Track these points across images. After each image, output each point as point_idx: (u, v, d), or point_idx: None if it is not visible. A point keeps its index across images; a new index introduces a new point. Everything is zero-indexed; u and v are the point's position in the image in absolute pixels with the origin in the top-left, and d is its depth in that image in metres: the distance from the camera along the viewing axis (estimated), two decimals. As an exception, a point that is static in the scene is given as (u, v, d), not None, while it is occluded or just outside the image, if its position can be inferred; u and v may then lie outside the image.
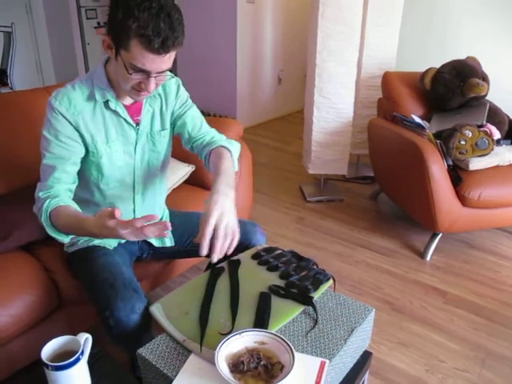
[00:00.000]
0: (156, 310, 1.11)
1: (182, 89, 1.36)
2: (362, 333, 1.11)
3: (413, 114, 2.43)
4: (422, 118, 2.44)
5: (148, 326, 1.18)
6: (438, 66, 2.46)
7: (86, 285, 1.29)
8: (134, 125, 1.26)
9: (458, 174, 2.09)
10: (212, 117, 4.19)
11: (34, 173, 1.27)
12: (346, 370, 1.10)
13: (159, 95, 1.30)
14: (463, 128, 2.06)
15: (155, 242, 1.44)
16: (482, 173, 2.09)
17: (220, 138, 1.37)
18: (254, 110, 4.42)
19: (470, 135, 2.05)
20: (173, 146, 1.42)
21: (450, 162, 2.11)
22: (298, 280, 1.18)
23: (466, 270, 2.17)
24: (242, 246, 1.39)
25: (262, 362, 0.93)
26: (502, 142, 2.24)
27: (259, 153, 3.66)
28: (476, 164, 2.09)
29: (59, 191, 1.17)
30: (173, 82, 1.33)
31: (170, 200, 1.67)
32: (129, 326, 1.13)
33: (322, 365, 0.96)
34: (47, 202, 1.13)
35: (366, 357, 1.16)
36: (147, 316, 1.15)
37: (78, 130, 1.18)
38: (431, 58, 2.89)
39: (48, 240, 1.42)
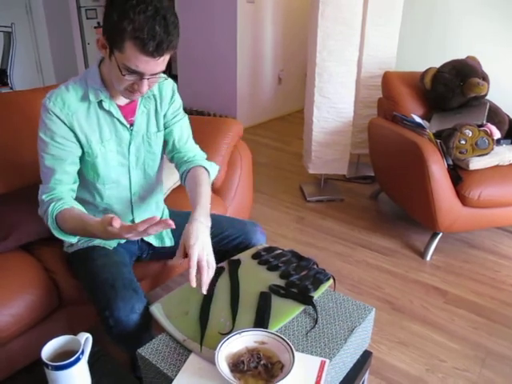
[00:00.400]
0: (156, 309, 1.11)
1: (177, 95, 1.36)
2: (362, 332, 1.11)
3: (413, 113, 2.43)
4: (422, 117, 2.44)
5: (148, 326, 1.18)
6: (438, 65, 2.46)
7: (86, 285, 1.29)
8: (128, 125, 1.26)
9: (458, 174, 2.09)
10: (212, 116, 4.20)
11: (34, 173, 1.28)
12: (346, 370, 1.10)
13: (154, 96, 1.29)
14: (463, 127, 2.06)
15: (155, 242, 1.44)
16: (482, 172, 2.09)
17: (201, 157, 1.40)
18: (254, 109, 4.42)
19: (470, 135, 2.05)
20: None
21: (450, 162, 2.11)
22: (298, 280, 1.18)
23: (466, 270, 2.17)
24: (242, 246, 1.40)
25: (262, 362, 0.94)
26: (502, 141, 2.24)
27: (259, 153, 3.65)
28: (476, 163, 2.09)
29: (62, 193, 1.18)
30: (169, 87, 1.32)
31: (170, 200, 1.67)
32: (129, 326, 1.13)
33: (322, 364, 0.96)
34: (52, 205, 1.14)
35: (366, 356, 1.16)
36: (147, 316, 1.15)
37: (72, 131, 1.19)
38: (431, 57, 2.89)
39: (48, 240, 1.43)
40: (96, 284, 1.21)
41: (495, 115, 2.34)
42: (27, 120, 1.65)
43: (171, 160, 1.41)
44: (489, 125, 2.21)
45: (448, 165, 2.09)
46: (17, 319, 1.26)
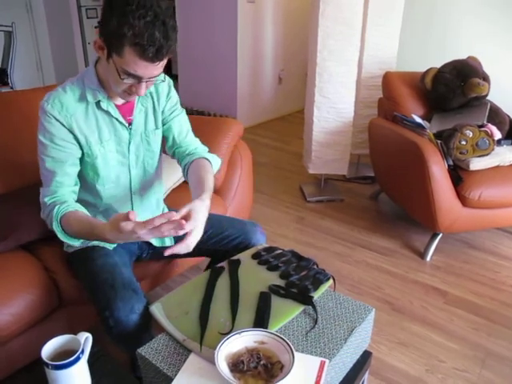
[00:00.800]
0: (156, 309, 1.11)
1: (174, 91, 1.36)
2: (362, 333, 1.11)
3: (413, 113, 2.43)
4: (423, 117, 2.44)
5: (148, 326, 1.18)
6: (438, 65, 2.46)
7: (85, 285, 1.29)
8: (127, 124, 1.26)
9: (458, 174, 2.09)
10: (212, 116, 4.20)
11: (34, 172, 1.28)
12: (346, 370, 1.10)
13: (151, 94, 1.30)
14: (464, 128, 2.06)
15: (155, 242, 1.44)
16: (483, 173, 2.09)
17: (203, 150, 1.40)
18: (255, 109, 4.42)
19: (471, 135, 2.05)
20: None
21: (451, 162, 2.11)
22: (298, 280, 1.18)
23: (466, 270, 2.17)
24: (242, 246, 1.40)
25: (261, 362, 0.94)
26: (502, 142, 2.23)
27: (259, 153, 3.65)
28: (476, 164, 2.09)
29: (64, 195, 1.18)
30: (165, 83, 1.32)
31: (170, 200, 1.67)
32: (128, 326, 1.13)
33: (322, 364, 0.96)
34: (56, 208, 1.13)
35: (365, 357, 1.16)
36: (147, 316, 1.15)
37: (71, 132, 1.18)
38: (432, 57, 2.89)
39: (48, 240, 1.43)
40: (96, 284, 1.21)
41: (496, 116, 2.34)
42: (27, 120, 1.65)
43: (172, 156, 1.41)
44: (489, 125, 2.21)
45: (448, 165, 2.09)
46: (17, 318, 1.26)
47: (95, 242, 1.33)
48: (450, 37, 3.11)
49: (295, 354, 0.93)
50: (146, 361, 1.00)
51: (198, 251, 1.18)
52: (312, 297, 1.12)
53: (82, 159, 1.24)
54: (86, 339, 0.98)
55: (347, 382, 1.08)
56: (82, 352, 0.94)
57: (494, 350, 1.69)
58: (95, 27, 4.80)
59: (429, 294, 2.00)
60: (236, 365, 0.93)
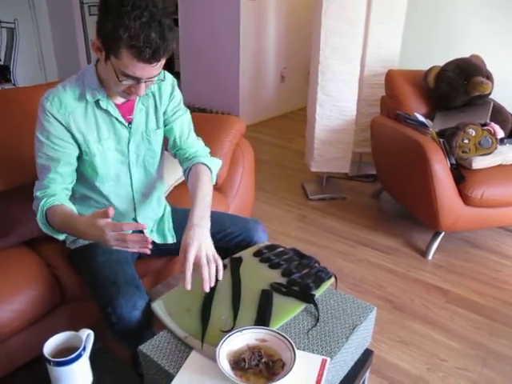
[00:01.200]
0: (158, 306, 1.11)
1: (177, 90, 1.35)
2: (364, 331, 1.11)
3: (416, 112, 2.42)
4: (426, 116, 2.43)
5: (150, 323, 1.18)
6: (441, 64, 2.45)
7: (87, 282, 1.30)
8: (126, 124, 1.26)
9: (460, 173, 2.08)
10: (214, 114, 4.19)
11: (36, 169, 1.28)
12: (347, 368, 1.10)
13: (153, 94, 1.29)
14: (467, 127, 2.05)
15: (157, 239, 1.44)
16: (485, 172, 2.09)
17: (203, 153, 1.39)
18: (257, 107, 4.41)
19: (474, 134, 2.05)
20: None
21: (453, 161, 2.11)
22: (300, 278, 1.18)
23: (468, 269, 2.16)
24: (244, 244, 1.40)
25: (263, 360, 0.94)
26: (505, 140, 2.22)
27: (261, 150, 3.65)
28: (479, 163, 2.08)
29: (56, 190, 1.20)
30: (168, 82, 1.31)
31: (172, 197, 1.67)
32: (131, 323, 1.13)
33: (323, 363, 0.96)
34: (43, 200, 1.16)
35: (367, 355, 1.16)
36: (149, 313, 1.15)
37: (69, 131, 1.19)
38: (435, 56, 2.88)
39: (51, 236, 1.43)
40: (98, 281, 1.22)
41: (499, 114, 2.33)
42: (29, 116, 1.64)
43: (174, 156, 1.42)
44: (492, 124, 2.20)
45: (451, 164, 2.08)
46: (19, 315, 1.27)
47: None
48: (454, 35, 3.10)
49: (296, 351, 0.93)
50: (147, 358, 1.00)
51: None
52: (314, 295, 1.12)
53: (80, 157, 1.24)
54: (87, 336, 0.98)
55: (348, 381, 1.08)
56: (84, 349, 0.94)
57: (495, 348, 1.69)
58: (97, 24, 4.80)
59: (430, 292, 2.00)
60: (237, 362, 0.93)
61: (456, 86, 2.34)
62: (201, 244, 1.09)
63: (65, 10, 4.74)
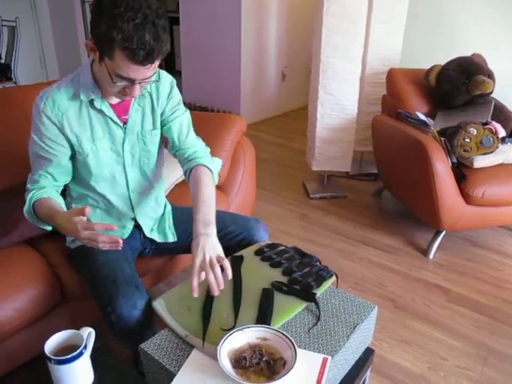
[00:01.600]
0: (158, 305, 1.11)
1: (176, 90, 1.34)
2: (365, 330, 1.11)
3: (417, 111, 2.41)
4: (427, 115, 2.43)
5: (150, 322, 1.18)
6: (443, 62, 2.45)
7: (87, 281, 1.30)
8: (121, 124, 1.25)
9: (462, 172, 2.08)
10: (216, 113, 4.19)
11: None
12: (348, 367, 1.10)
13: (150, 94, 1.28)
14: (468, 125, 2.05)
15: (158, 238, 1.44)
16: (487, 171, 2.08)
17: (203, 153, 1.36)
18: (258, 106, 4.41)
19: (475, 133, 2.04)
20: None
21: (455, 160, 2.10)
22: (301, 276, 1.17)
23: (470, 268, 2.16)
24: (245, 242, 1.40)
25: (264, 358, 0.94)
26: (506, 139, 2.22)
27: (262, 149, 3.65)
28: (480, 162, 2.08)
29: (45, 184, 1.22)
30: (166, 82, 1.30)
31: (173, 195, 1.67)
32: (130, 322, 1.13)
33: (324, 361, 0.96)
34: (32, 192, 1.19)
35: (368, 354, 1.16)
36: (149, 312, 1.15)
37: (62, 132, 1.19)
38: (436, 54, 2.87)
39: (52, 235, 1.43)
40: (97, 280, 1.22)
41: (500, 113, 2.32)
42: (29, 115, 1.62)
43: (175, 156, 1.41)
44: (494, 123, 2.19)
45: (452, 163, 2.08)
46: (20, 313, 1.27)
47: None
48: (455, 34, 3.09)
49: (297, 350, 0.93)
50: (148, 356, 1.00)
51: None
52: (315, 294, 1.12)
53: (74, 157, 1.25)
54: (88, 334, 0.98)
55: (349, 379, 1.08)
56: (85, 347, 0.94)
57: (497, 348, 1.69)
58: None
59: (431, 291, 2.00)
60: (238, 361, 0.93)
61: (457, 85, 2.33)
62: (205, 251, 1.08)
63: (66, 9, 4.74)
